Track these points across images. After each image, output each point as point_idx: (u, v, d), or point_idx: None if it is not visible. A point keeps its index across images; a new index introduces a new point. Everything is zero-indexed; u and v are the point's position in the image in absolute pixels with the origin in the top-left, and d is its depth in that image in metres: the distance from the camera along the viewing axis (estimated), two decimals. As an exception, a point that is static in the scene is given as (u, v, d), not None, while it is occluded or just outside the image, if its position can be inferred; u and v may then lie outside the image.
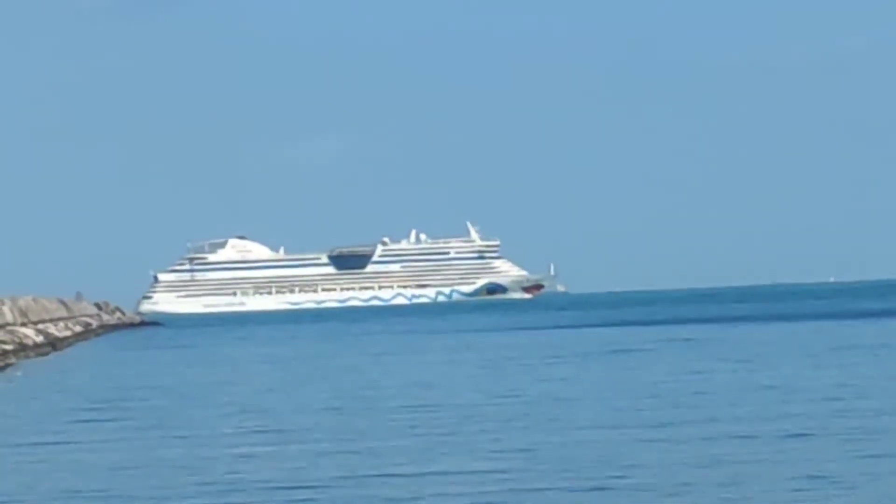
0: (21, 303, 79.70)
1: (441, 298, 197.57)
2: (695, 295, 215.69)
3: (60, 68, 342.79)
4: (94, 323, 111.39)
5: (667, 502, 16.39)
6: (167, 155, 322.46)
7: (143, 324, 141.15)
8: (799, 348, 57.58)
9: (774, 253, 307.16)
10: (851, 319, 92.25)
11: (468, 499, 17.14)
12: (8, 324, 69.54)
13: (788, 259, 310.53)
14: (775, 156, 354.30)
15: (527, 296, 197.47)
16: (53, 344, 76.24)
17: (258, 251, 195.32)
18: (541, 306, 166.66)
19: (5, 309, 71.52)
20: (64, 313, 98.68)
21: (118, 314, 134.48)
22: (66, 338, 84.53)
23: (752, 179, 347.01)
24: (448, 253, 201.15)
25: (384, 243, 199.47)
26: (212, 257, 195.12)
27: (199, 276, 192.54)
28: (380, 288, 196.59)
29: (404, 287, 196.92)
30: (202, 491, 18.73)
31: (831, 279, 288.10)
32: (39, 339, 73.71)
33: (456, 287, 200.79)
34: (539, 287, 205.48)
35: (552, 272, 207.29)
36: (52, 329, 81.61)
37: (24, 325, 74.70)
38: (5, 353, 59.78)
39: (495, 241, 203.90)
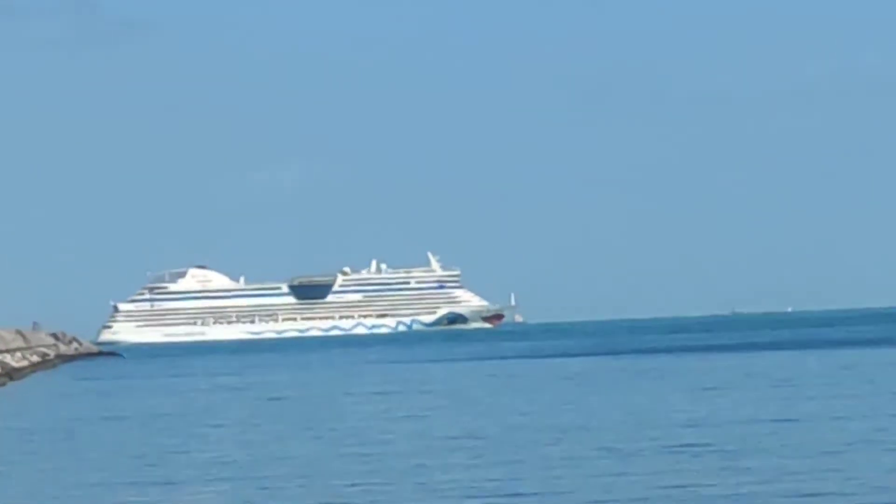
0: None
1: (401, 328, 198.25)
2: (656, 324, 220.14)
3: (17, 96, 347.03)
4: (52, 353, 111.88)
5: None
6: (125, 183, 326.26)
7: (101, 354, 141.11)
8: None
9: (734, 282, 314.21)
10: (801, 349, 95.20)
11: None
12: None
13: (748, 289, 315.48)
14: (736, 187, 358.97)
15: (487, 325, 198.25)
16: (10, 374, 76.94)
17: (218, 280, 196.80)
18: (502, 336, 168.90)
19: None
20: (21, 343, 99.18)
21: (75, 344, 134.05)
22: (22, 368, 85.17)
23: (711, 210, 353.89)
24: (409, 283, 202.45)
25: (345, 273, 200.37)
26: (172, 287, 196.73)
27: (158, 305, 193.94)
28: (340, 318, 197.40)
29: (365, 317, 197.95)
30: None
31: (789, 309, 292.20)
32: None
33: (416, 317, 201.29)
34: (499, 317, 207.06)
35: (512, 302, 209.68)
36: (8, 359, 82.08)
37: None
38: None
39: (456, 270, 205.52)
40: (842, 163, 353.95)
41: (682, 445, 29.59)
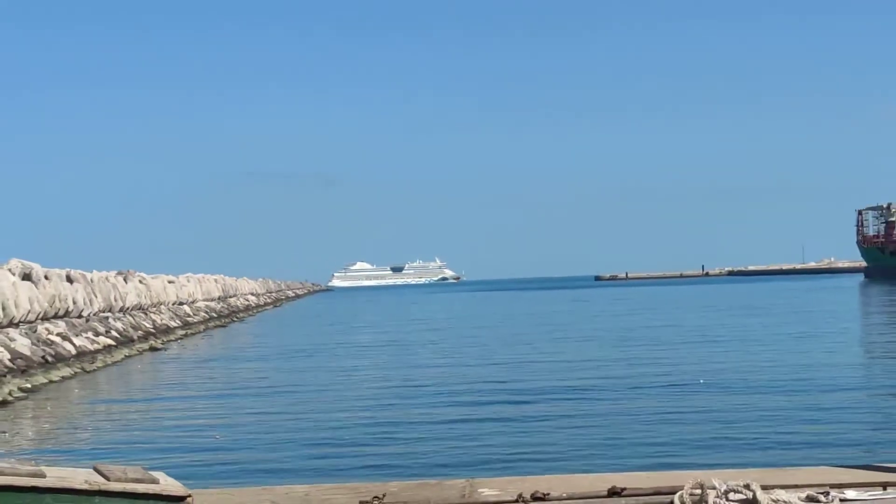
0: (288, 282, 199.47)
1: (427, 282, 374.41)
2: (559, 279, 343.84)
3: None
4: (311, 289, 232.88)
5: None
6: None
7: (326, 289, 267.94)
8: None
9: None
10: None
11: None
12: (283, 290, 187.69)
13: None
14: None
15: (454, 282, 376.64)
16: (299, 296, 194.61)
17: (364, 265, 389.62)
18: (463, 285, 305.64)
19: (283, 283, 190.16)
20: (300, 286, 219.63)
21: (319, 286, 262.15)
22: (303, 294, 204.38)
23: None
24: (429, 267, 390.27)
25: (408, 263, 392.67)
26: (352, 268, 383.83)
27: (348, 274, 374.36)
28: (407, 279, 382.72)
29: (414, 279, 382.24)
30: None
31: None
32: (294, 294, 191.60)
33: (432, 279, 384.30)
34: (458, 278, 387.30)
35: (463, 273, 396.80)
36: (290, 294, 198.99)
37: (290, 289, 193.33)
38: (287, 298, 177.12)
39: (444, 262, 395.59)
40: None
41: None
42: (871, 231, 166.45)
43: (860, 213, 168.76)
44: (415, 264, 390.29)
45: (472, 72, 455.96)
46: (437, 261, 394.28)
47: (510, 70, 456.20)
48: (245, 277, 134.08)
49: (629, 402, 25.27)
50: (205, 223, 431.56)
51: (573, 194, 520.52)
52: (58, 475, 4.77)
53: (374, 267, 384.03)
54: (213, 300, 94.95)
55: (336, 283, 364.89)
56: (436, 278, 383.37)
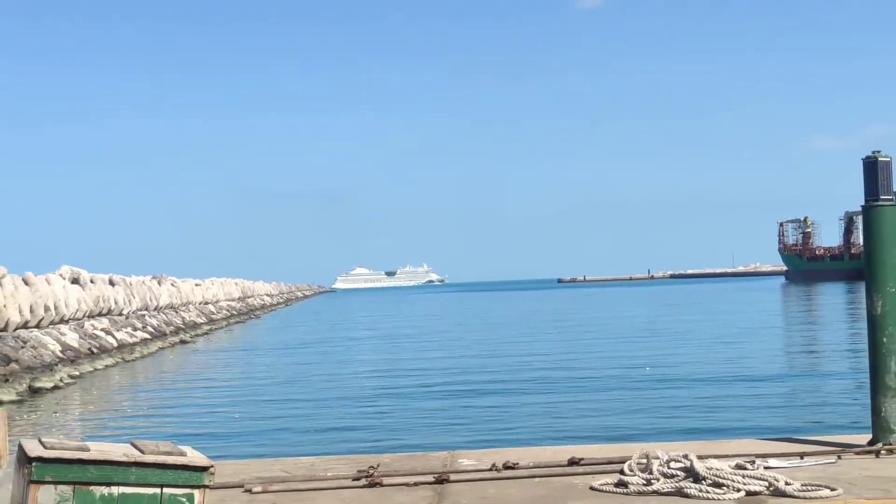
0: (297, 285, 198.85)
1: (415, 284, 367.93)
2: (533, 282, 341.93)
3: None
4: (313, 291, 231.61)
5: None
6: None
7: (330, 291, 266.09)
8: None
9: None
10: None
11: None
12: (293, 291, 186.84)
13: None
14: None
15: (439, 284, 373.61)
16: (307, 297, 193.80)
17: (363, 270, 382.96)
18: (445, 287, 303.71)
19: (293, 286, 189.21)
20: (307, 288, 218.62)
21: (323, 288, 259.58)
22: (311, 294, 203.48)
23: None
24: (418, 271, 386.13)
25: (400, 268, 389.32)
26: (352, 272, 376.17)
27: (350, 276, 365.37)
28: (400, 282, 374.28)
29: (405, 281, 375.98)
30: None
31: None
32: (302, 295, 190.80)
33: (420, 282, 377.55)
34: (442, 281, 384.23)
35: (446, 277, 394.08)
36: (299, 294, 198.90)
37: (299, 291, 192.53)
38: (297, 298, 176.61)
39: (430, 268, 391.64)
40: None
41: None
42: (790, 240, 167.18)
43: (781, 224, 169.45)
44: (405, 269, 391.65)
45: (457, 106, 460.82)
46: (425, 266, 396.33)
47: (490, 106, 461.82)
48: (261, 280, 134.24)
49: (587, 386, 25.33)
50: (227, 234, 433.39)
51: (541, 209, 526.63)
52: (100, 449, 4.76)
53: (371, 271, 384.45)
54: (233, 300, 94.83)
55: (339, 285, 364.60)
56: (423, 281, 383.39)
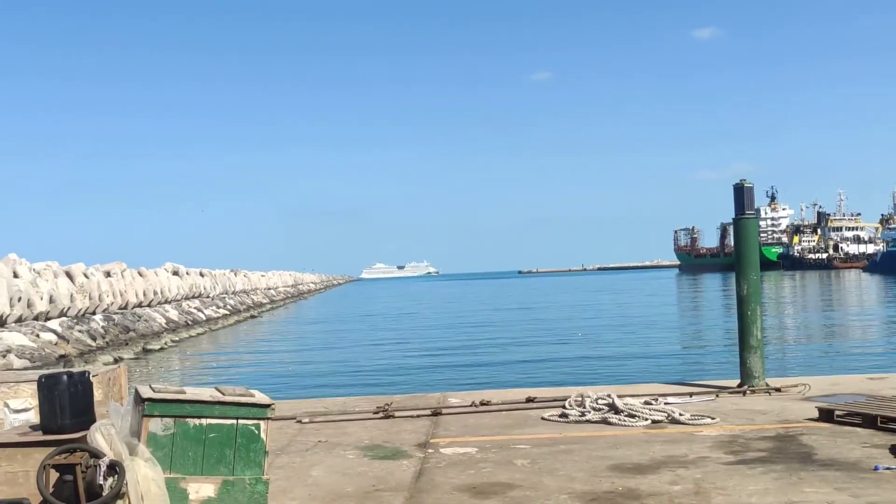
0: (333, 276, 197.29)
1: (417, 275, 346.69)
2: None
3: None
4: (344, 280, 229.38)
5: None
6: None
7: (357, 280, 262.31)
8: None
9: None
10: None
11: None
12: (330, 280, 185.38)
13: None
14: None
15: (435, 275, 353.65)
16: (340, 284, 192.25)
17: (383, 265, 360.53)
18: (439, 277, 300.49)
19: (330, 276, 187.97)
20: (342, 277, 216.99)
21: (352, 278, 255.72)
22: (343, 282, 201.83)
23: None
24: (419, 266, 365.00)
25: (407, 264, 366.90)
26: (373, 266, 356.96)
27: (371, 269, 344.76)
28: (406, 273, 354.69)
29: (410, 273, 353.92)
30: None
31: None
32: (336, 283, 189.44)
33: (422, 273, 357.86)
34: (437, 272, 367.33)
35: (440, 270, 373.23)
36: (334, 282, 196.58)
37: (334, 280, 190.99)
38: (333, 285, 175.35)
39: (429, 263, 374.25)
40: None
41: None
42: (682, 242, 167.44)
43: (676, 231, 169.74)
44: (411, 264, 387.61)
45: (446, 145, 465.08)
46: (425, 262, 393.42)
47: (470, 145, 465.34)
48: (308, 272, 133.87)
49: (540, 344, 25.29)
50: (283, 239, 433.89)
51: (508, 219, 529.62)
52: (193, 392, 4.74)
53: (387, 266, 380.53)
54: (288, 286, 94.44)
55: (364, 275, 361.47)
56: (424, 273, 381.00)
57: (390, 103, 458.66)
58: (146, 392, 4.49)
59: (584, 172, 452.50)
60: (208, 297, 50.14)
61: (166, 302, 41.15)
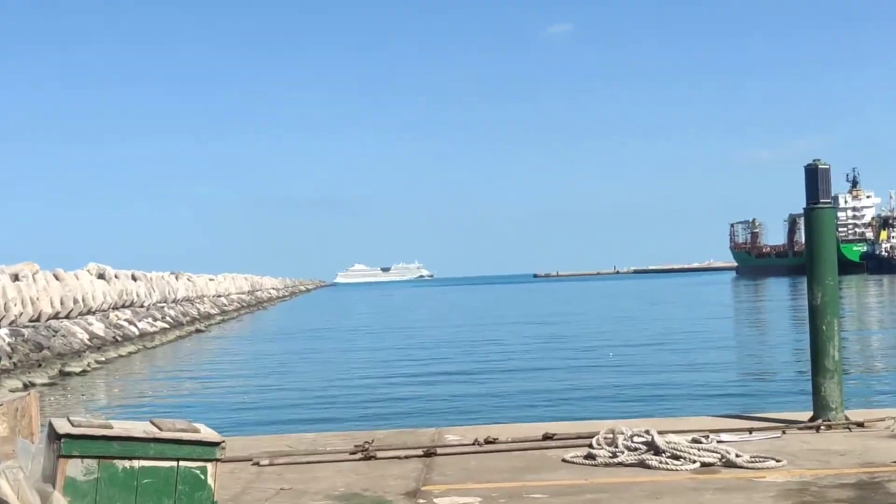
0: (301, 280, 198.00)
1: (407, 279, 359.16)
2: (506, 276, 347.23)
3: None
4: (314, 285, 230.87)
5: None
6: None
7: (331, 285, 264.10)
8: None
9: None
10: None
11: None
12: (297, 285, 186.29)
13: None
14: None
15: (429, 279, 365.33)
16: (309, 290, 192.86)
17: (362, 267, 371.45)
18: (434, 282, 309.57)
19: (297, 281, 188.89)
20: (311, 282, 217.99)
21: (324, 282, 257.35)
22: (313, 288, 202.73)
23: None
24: (409, 268, 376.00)
25: (394, 265, 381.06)
26: (350, 269, 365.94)
27: (349, 273, 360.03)
28: (392, 277, 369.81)
29: (399, 276, 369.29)
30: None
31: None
32: (305, 289, 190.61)
33: (412, 276, 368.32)
34: (432, 276, 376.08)
35: (435, 273, 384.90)
36: (301, 288, 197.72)
37: (302, 285, 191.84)
38: (300, 291, 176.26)
39: (421, 264, 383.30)
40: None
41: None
42: (740, 239, 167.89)
43: (732, 225, 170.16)
44: (399, 266, 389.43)
45: (443, 123, 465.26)
46: (416, 263, 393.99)
47: (472, 123, 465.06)
48: (268, 276, 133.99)
49: (560, 367, 25.33)
50: (239, 235, 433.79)
51: (518, 212, 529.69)
52: (122, 427, 4.74)
53: (368, 268, 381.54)
54: (243, 293, 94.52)
55: (339, 280, 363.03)
56: (415, 276, 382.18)
57: (372, 70, 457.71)
58: (63, 426, 4.49)
59: (614, 154, 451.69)
60: (142, 306, 50.17)
61: (90, 312, 41.15)
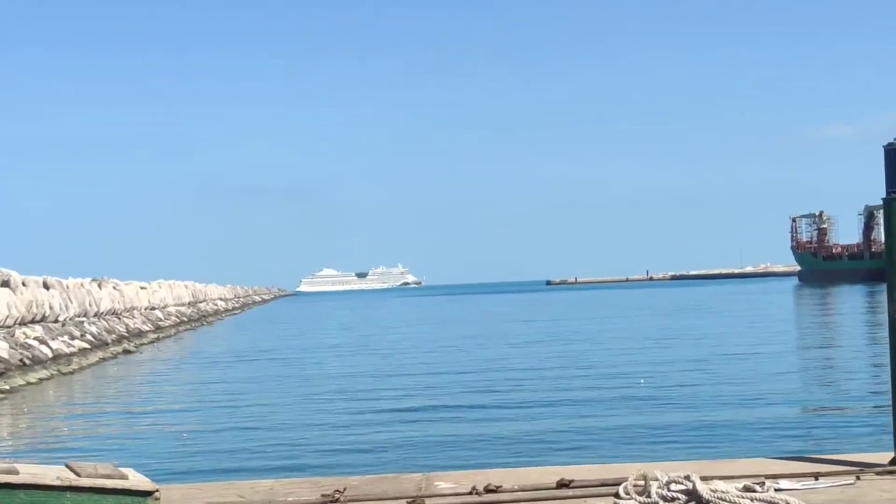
0: (255, 288, 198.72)
1: (389, 287, 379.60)
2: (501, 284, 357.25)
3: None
4: (274, 294, 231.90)
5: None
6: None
7: (292, 294, 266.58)
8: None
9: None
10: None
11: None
12: (250, 295, 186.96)
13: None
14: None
15: (416, 286, 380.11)
16: (265, 301, 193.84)
17: (333, 272, 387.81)
18: (423, 290, 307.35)
19: (250, 290, 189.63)
20: (266, 291, 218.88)
21: (285, 291, 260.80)
22: (269, 299, 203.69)
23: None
24: (392, 273, 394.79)
25: (372, 270, 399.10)
26: (318, 273, 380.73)
27: (315, 278, 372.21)
28: (370, 284, 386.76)
29: (378, 284, 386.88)
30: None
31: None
32: (260, 299, 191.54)
33: (395, 284, 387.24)
34: (420, 283, 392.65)
35: (423, 278, 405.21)
36: (258, 298, 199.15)
37: (256, 295, 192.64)
38: (254, 302, 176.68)
39: (406, 268, 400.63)
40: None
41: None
42: (804, 237, 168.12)
43: (794, 220, 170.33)
44: (378, 270, 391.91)
45: (437, 94, 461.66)
46: (400, 267, 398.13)
47: (473, 95, 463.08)
48: (214, 284, 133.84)
49: (576, 399, 25.35)
50: (178, 233, 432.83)
51: (528, 205, 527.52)
52: (30, 472, 4.73)
53: (340, 273, 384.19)
54: (183, 305, 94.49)
55: (304, 288, 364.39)
56: (398, 283, 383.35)
57: (347, 27, 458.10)
58: (-44, 472, 4.45)
59: (645, 135, 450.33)
60: (57, 321, 50.11)
61: (-10, 329, 41.07)
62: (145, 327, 66.76)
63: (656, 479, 7.86)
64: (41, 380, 36.61)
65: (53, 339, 45.17)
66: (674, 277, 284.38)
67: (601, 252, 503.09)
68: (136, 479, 4.80)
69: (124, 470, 4.95)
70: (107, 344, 51.96)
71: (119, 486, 4.65)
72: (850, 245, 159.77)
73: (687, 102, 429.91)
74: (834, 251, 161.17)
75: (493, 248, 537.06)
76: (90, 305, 57.83)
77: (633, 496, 7.78)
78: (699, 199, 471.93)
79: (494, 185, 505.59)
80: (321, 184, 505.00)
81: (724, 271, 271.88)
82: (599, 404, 24.18)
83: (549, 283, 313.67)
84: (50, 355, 42.16)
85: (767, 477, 8.39)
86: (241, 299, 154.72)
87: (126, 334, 58.93)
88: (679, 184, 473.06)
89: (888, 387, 9.19)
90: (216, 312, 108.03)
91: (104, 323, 57.87)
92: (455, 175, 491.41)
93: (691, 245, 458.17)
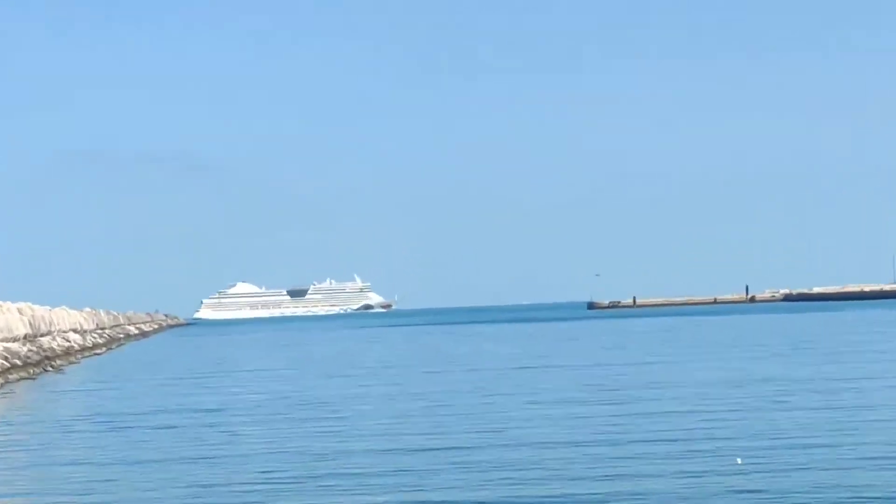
0: (129, 314, 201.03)
1: (341, 312, 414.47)
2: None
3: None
4: (165, 323, 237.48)
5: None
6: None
7: (188, 324, 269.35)
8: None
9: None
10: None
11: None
12: (121, 325, 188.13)
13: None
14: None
15: (384, 311, 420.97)
16: (145, 334, 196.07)
17: (250, 288, 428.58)
18: (394, 315, 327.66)
19: (121, 317, 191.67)
20: (149, 320, 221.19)
21: (177, 319, 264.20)
22: (150, 331, 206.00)
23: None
24: (345, 290, 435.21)
25: (314, 285, 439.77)
26: (230, 291, 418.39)
27: (223, 301, 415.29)
28: (311, 307, 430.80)
29: (324, 307, 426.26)
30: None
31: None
32: (137, 331, 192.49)
33: (350, 307, 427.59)
34: (389, 306, 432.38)
35: (396, 299, 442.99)
36: (144, 327, 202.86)
37: (131, 324, 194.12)
38: (127, 336, 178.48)
39: (368, 283, 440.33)
40: None
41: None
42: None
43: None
44: (324, 286, 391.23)
45: (411, 37, 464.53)
46: (358, 281, 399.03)
47: (466, 41, 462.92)
48: (64, 307, 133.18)
49: (646, 493, 25.17)
50: (8, 223, 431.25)
51: (552, 196, 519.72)
52: None
53: (264, 290, 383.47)
54: (15, 340, 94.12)
55: (205, 313, 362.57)
56: (356, 306, 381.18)
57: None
58: None
59: (725, 89, 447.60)
60: None
61: None
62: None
63: None
64: None
65: None
66: (787, 297, 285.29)
67: (671, 259, 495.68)
68: None
69: None
70: None
71: None
72: None
73: (791, 39, 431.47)
74: None
75: (500, 253, 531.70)
76: None
77: None
78: (822, 180, 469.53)
79: (497, 169, 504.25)
80: (231, 153, 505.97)
81: (867, 288, 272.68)
82: (673, 496, 24.16)
83: (591, 305, 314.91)
84: None
85: None
86: (107, 332, 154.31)
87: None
88: (787, 155, 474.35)
89: None
90: (69, 352, 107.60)
91: None
92: (443, 149, 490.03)
93: (813, 250, 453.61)
